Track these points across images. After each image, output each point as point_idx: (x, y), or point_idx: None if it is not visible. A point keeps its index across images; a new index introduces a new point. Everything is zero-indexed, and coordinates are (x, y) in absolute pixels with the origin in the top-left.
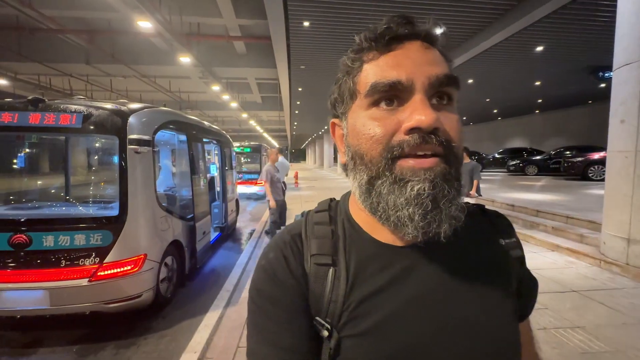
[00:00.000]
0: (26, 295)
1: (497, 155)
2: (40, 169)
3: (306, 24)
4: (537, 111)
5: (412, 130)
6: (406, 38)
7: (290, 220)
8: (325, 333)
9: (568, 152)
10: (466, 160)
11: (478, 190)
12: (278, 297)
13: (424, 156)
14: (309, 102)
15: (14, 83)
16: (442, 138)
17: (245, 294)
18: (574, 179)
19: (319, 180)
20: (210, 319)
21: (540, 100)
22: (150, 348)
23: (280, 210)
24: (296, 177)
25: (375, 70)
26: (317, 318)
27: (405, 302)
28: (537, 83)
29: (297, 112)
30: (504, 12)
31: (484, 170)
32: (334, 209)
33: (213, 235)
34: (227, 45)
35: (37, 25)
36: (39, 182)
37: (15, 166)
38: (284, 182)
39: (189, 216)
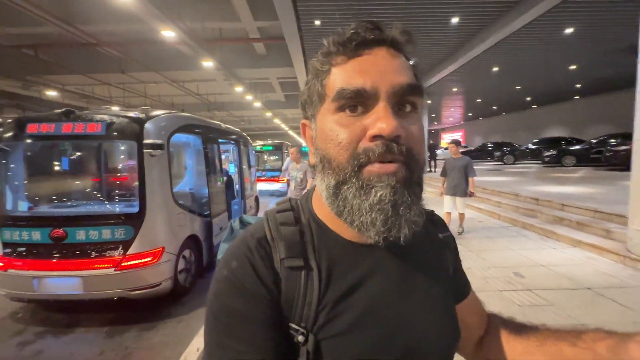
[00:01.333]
0: (64, 282)
1: (531, 146)
2: (70, 172)
3: (317, 22)
4: (577, 97)
5: (375, 138)
6: (374, 44)
7: None
8: (301, 338)
9: (612, 140)
10: (457, 155)
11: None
12: (247, 311)
13: (388, 162)
14: None
15: (62, 94)
16: (403, 145)
17: None
18: (617, 169)
19: None
20: None
21: (579, 85)
22: (168, 331)
23: None
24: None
25: (342, 76)
26: (291, 324)
27: (374, 299)
28: (573, 67)
29: None
30: None
31: (517, 162)
32: (296, 209)
33: None
34: (248, 47)
35: (77, 40)
36: (70, 184)
37: (50, 169)
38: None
39: (205, 213)
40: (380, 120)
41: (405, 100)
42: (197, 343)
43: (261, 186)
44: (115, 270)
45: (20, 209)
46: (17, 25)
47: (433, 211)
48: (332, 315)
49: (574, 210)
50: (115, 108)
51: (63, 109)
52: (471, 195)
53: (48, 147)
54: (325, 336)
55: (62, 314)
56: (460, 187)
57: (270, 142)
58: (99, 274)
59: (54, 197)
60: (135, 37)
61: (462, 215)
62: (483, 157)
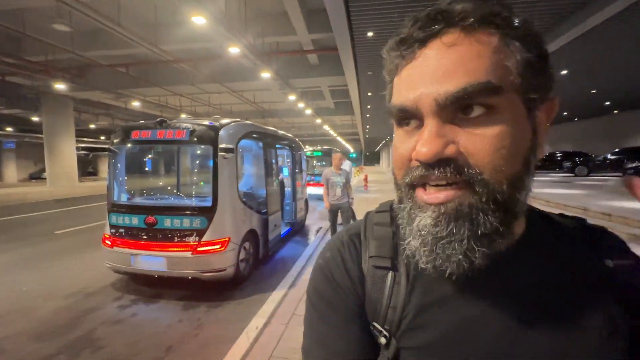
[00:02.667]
0: (153, 260)
1: (610, 156)
2: (160, 170)
3: (370, 34)
4: None
5: (418, 160)
6: (429, 38)
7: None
8: (383, 340)
9: None
10: None
11: None
12: (334, 299)
13: (439, 187)
14: (378, 105)
15: (143, 103)
16: (460, 166)
17: (306, 278)
18: None
19: (389, 184)
20: (276, 295)
21: None
22: (230, 310)
23: (334, 213)
24: (365, 180)
25: (395, 89)
26: (375, 324)
27: (462, 321)
28: None
29: (368, 115)
30: None
31: (591, 174)
32: (396, 210)
33: (284, 229)
34: (302, 58)
35: (159, 58)
36: (159, 180)
37: (145, 168)
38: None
39: (263, 210)
40: (420, 143)
41: (470, 104)
42: (256, 322)
43: (310, 190)
44: (192, 254)
45: (123, 199)
46: (113, 48)
47: (602, 228)
48: (413, 324)
49: None
50: (183, 116)
51: (158, 119)
52: None
53: (146, 149)
54: (406, 345)
55: (147, 287)
56: None
57: (319, 147)
58: (180, 256)
59: (149, 190)
60: (204, 54)
61: None
62: (550, 168)
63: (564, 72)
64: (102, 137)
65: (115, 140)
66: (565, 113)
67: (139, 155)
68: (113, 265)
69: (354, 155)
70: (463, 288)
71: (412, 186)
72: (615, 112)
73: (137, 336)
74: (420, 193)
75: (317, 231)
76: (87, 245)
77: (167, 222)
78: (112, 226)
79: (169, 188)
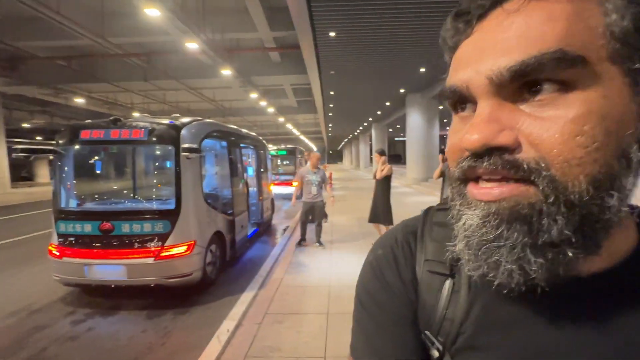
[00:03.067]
0: (111, 269)
1: None
2: (116, 173)
3: (332, 34)
4: None
5: (468, 150)
6: (488, 9)
7: (349, 235)
8: (436, 354)
9: None
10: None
11: None
12: (383, 299)
13: (493, 181)
14: (341, 104)
15: (88, 100)
16: (509, 158)
17: (276, 277)
18: None
19: (353, 181)
20: (246, 296)
21: None
22: (199, 315)
23: (305, 211)
24: (330, 178)
25: (451, 68)
26: (427, 333)
27: (531, 350)
28: None
29: (330, 114)
30: None
31: None
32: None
33: (250, 230)
34: (263, 55)
35: (107, 51)
36: (116, 183)
37: (99, 170)
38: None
39: (229, 211)
40: (468, 130)
41: (537, 80)
42: (227, 325)
43: (275, 189)
44: (154, 260)
45: (73, 205)
46: (53, 38)
47: None
48: (472, 344)
49: None
50: (135, 114)
51: (111, 117)
52: None
53: (98, 150)
54: None
55: (104, 298)
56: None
57: (283, 146)
58: (141, 263)
59: (102, 195)
60: (159, 48)
61: None
62: None
63: None
64: (38, 138)
65: (61, 141)
66: None
67: (89, 157)
68: (63, 277)
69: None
70: (537, 311)
71: (464, 180)
72: None
73: (96, 352)
74: (471, 188)
75: (284, 230)
76: (28, 259)
77: (126, 228)
78: (60, 235)
79: (125, 192)
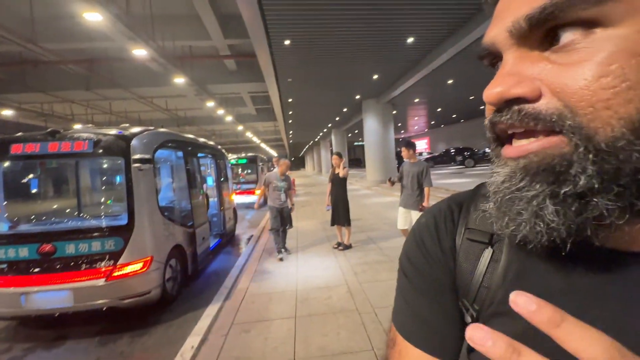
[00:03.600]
0: (54, 295)
1: (487, 151)
2: (59, 189)
3: (287, 42)
4: None
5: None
6: None
7: (313, 236)
8: (469, 319)
9: None
10: (412, 159)
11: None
12: (422, 266)
13: (523, 138)
14: (300, 111)
15: (19, 112)
16: (527, 108)
17: (241, 287)
18: None
19: (316, 186)
20: (211, 310)
21: None
22: (160, 335)
23: (276, 216)
24: (293, 183)
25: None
26: (464, 300)
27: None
28: None
29: (290, 121)
30: (478, 8)
31: (477, 165)
32: None
33: (213, 241)
34: (219, 63)
35: (39, 58)
36: (58, 200)
37: (34, 189)
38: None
39: (188, 224)
40: (489, 83)
41: (560, 25)
42: (191, 341)
43: (237, 199)
44: (106, 281)
45: (3, 228)
46: None
47: None
48: (504, 309)
49: None
50: (77, 126)
51: (49, 129)
52: (421, 209)
53: (34, 166)
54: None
55: (47, 329)
56: (413, 198)
57: (244, 155)
58: (90, 285)
59: (40, 215)
60: (103, 55)
61: None
62: (447, 162)
63: (450, 81)
64: None
65: None
66: (454, 115)
67: (23, 174)
68: None
69: None
70: (573, 283)
71: (499, 141)
72: None
73: None
74: (504, 148)
75: (249, 240)
76: None
77: (70, 249)
78: None
79: (69, 210)
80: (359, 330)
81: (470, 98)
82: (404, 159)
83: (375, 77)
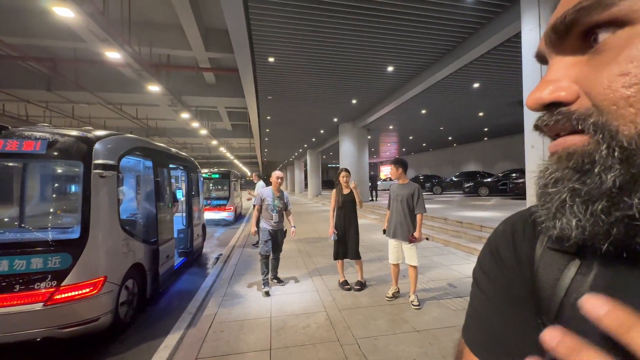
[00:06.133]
0: None
1: (454, 179)
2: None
3: (271, 59)
4: (486, 138)
5: None
6: None
7: (289, 257)
8: None
9: (514, 174)
10: (402, 180)
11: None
12: (495, 275)
13: (561, 136)
14: (277, 130)
15: None
16: (563, 111)
17: (208, 313)
18: (518, 198)
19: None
20: (170, 340)
21: (486, 129)
22: None
23: (266, 240)
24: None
25: None
26: (543, 317)
27: None
28: (481, 114)
29: (266, 139)
30: (449, 50)
31: (443, 192)
32: None
33: (178, 260)
34: (197, 75)
35: None
36: None
37: None
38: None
39: (152, 240)
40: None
41: (595, 24)
42: None
43: (207, 215)
44: (44, 305)
45: None
46: None
47: None
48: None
49: (490, 230)
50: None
51: None
52: (411, 240)
53: None
54: None
55: None
56: (404, 227)
57: (217, 170)
58: (22, 311)
59: None
60: (68, 55)
61: (413, 271)
62: None
63: (424, 111)
64: None
65: None
66: (424, 144)
67: None
68: None
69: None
70: None
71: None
72: (455, 145)
73: None
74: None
75: (217, 259)
76: None
77: (3, 265)
78: None
79: (7, 219)
80: None
81: (441, 129)
82: (392, 180)
83: (354, 101)
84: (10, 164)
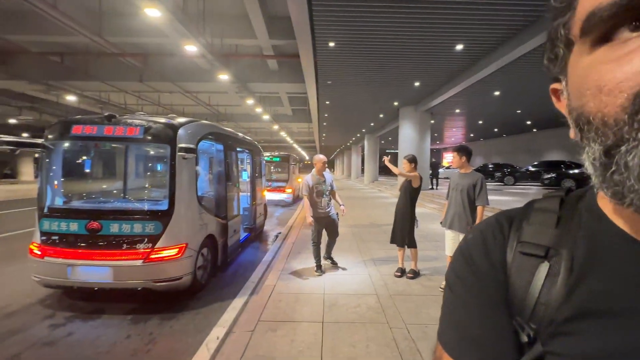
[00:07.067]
0: (96, 270)
1: (531, 168)
2: (108, 170)
3: (331, 44)
4: None
5: None
6: None
7: (343, 241)
8: (525, 339)
9: None
10: (465, 169)
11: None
12: (472, 282)
13: None
14: (336, 114)
15: (80, 99)
16: None
17: (268, 284)
18: None
19: (345, 190)
20: (237, 303)
21: None
22: (186, 321)
23: (320, 229)
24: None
25: None
26: (518, 318)
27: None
28: None
29: (325, 123)
30: (531, 21)
31: (517, 183)
32: (573, 196)
33: (243, 235)
34: (261, 62)
35: (102, 50)
36: (107, 181)
37: (87, 169)
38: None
39: (222, 215)
40: None
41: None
42: (216, 332)
43: (268, 196)
44: (143, 262)
45: (59, 202)
46: (46, 33)
47: None
48: (570, 329)
49: None
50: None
51: (106, 114)
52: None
53: (89, 147)
54: (554, 351)
55: (86, 301)
56: (462, 218)
57: (277, 153)
58: (128, 265)
59: (90, 193)
60: (156, 49)
61: None
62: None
63: (497, 92)
64: (25, 134)
65: (50, 136)
66: (496, 129)
67: (80, 154)
68: (43, 278)
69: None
70: None
71: None
72: (535, 130)
73: (75, 358)
74: None
75: (276, 237)
76: (4, 258)
77: (114, 228)
78: (43, 233)
79: (116, 191)
80: (390, 346)
81: (517, 112)
82: (453, 168)
83: (417, 84)
84: (118, 146)
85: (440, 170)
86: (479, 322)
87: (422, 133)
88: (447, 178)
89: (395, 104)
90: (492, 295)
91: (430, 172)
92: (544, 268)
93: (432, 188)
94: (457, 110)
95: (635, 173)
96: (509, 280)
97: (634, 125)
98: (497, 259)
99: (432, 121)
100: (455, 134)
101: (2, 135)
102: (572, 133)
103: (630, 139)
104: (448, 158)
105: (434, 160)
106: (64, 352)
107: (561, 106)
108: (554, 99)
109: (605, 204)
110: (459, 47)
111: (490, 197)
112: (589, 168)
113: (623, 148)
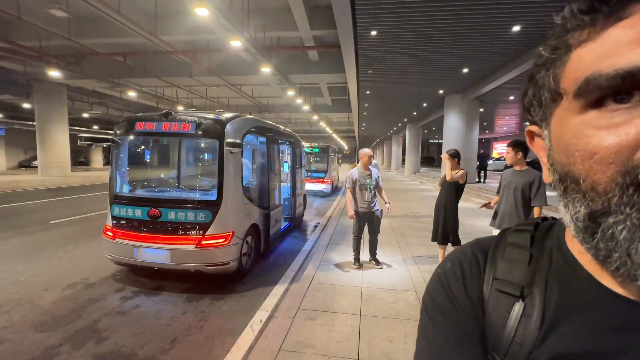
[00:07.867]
0: (157, 252)
1: None
2: (165, 163)
3: (373, 33)
4: None
5: None
6: None
7: (381, 234)
8: None
9: None
10: (520, 166)
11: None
12: (450, 312)
13: None
14: (376, 104)
15: (139, 94)
16: None
17: (308, 273)
18: None
19: (385, 182)
20: (278, 289)
21: None
22: (233, 303)
23: (361, 224)
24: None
25: (593, 56)
26: (493, 354)
27: None
28: None
29: (365, 113)
30: None
31: None
32: (542, 231)
33: (283, 224)
34: (302, 54)
35: (158, 49)
36: (164, 172)
37: (148, 160)
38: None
39: (265, 205)
40: None
41: None
42: (260, 315)
43: (307, 186)
44: (195, 247)
45: (126, 191)
46: (111, 36)
47: None
48: None
49: None
50: (179, 108)
51: (163, 111)
52: None
53: (149, 141)
54: None
55: (149, 279)
56: (512, 218)
57: (316, 144)
58: (183, 249)
59: (151, 183)
60: (204, 46)
61: None
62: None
63: None
64: (95, 127)
65: (118, 131)
66: None
67: (141, 147)
68: (114, 257)
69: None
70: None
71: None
72: None
73: (141, 328)
74: None
75: (315, 227)
76: (83, 236)
77: (171, 215)
78: (114, 217)
79: (171, 181)
80: None
81: None
82: (508, 164)
83: (465, 70)
84: (173, 140)
85: (489, 162)
86: (457, 351)
87: (469, 122)
88: (498, 170)
89: (440, 92)
90: (470, 327)
91: (478, 164)
92: (518, 307)
93: (479, 181)
94: (511, 98)
95: (624, 247)
96: (486, 315)
97: (624, 199)
98: (475, 294)
99: (482, 109)
100: (507, 122)
101: (83, 133)
102: (547, 177)
103: (619, 211)
104: (499, 149)
105: (482, 151)
106: (133, 321)
107: (535, 148)
108: (527, 139)
109: (573, 243)
110: (516, 28)
111: (548, 193)
112: (569, 222)
113: (611, 219)
